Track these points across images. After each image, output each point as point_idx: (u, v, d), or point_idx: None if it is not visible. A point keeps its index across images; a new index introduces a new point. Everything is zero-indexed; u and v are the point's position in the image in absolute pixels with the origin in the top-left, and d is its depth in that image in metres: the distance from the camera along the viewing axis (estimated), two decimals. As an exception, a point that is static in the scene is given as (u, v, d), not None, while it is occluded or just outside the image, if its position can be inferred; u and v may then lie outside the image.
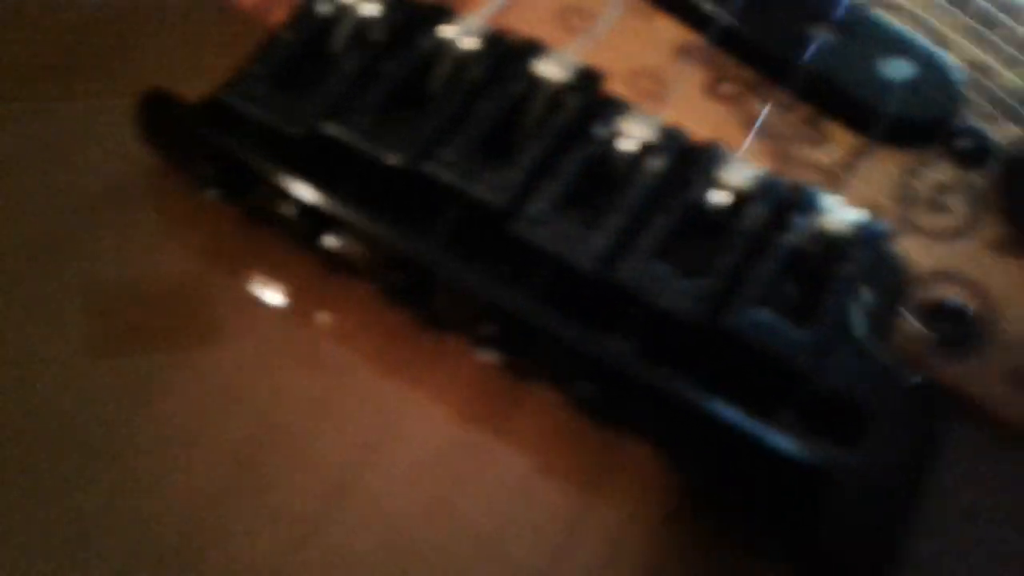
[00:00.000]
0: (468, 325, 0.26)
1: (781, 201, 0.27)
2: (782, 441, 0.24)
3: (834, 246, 0.26)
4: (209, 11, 0.33)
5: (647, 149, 0.27)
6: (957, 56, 0.36)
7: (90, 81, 0.30)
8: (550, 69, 0.28)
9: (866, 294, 0.27)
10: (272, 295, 0.28)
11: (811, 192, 0.27)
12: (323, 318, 0.28)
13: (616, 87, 0.32)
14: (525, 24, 0.32)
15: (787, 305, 0.26)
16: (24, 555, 0.23)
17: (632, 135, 0.28)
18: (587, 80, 0.29)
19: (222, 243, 0.28)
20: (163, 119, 0.28)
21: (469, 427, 0.26)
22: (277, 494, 0.24)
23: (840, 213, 0.27)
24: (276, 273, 0.28)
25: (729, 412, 0.24)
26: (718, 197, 0.27)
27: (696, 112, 0.32)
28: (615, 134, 0.28)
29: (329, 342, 0.27)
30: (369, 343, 0.27)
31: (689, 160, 0.28)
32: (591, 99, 0.28)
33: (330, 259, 0.27)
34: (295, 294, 0.28)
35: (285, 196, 0.27)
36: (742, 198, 0.27)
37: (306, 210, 0.27)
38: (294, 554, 0.24)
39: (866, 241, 0.27)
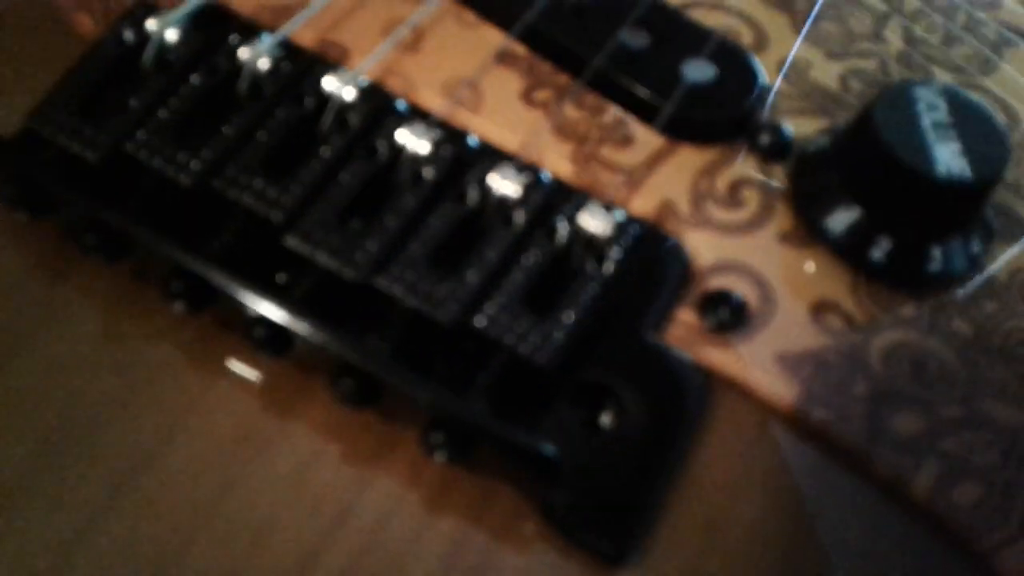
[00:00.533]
0: (245, 329, 0.28)
1: (543, 204, 0.29)
2: (517, 433, 0.26)
3: (588, 247, 0.28)
4: (52, 33, 0.34)
5: (424, 159, 0.29)
6: (779, 51, 0.38)
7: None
8: (336, 85, 0.30)
9: (625, 288, 0.29)
10: (85, 304, 0.30)
11: (571, 194, 0.29)
12: (132, 323, 0.30)
13: (432, 97, 0.34)
14: (352, 37, 0.34)
15: (542, 304, 0.28)
16: None
17: (411, 146, 0.29)
18: (374, 94, 0.30)
19: (43, 256, 0.30)
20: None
21: (260, 418, 0.28)
22: (64, 487, 0.26)
23: (596, 214, 0.29)
24: (91, 283, 0.30)
25: (470, 407, 0.26)
26: (483, 201, 0.29)
27: (510, 120, 0.33)
28: (395, 145, 0.29)
29: (135, 345, 0.29)
30: (172, 344, 0.29)
31: (465, 166, 0.29)
32: (377, 112, 0.30)
33: (134, 271, 0.29)
34: (108, 303, 0.30)
35: (83, 217, 0.29)
36: (506, 202, 0.29)
37: (98, 229, 0.28)
38: (74, 546, 0.26)
39: (621, 240, 0.28)
